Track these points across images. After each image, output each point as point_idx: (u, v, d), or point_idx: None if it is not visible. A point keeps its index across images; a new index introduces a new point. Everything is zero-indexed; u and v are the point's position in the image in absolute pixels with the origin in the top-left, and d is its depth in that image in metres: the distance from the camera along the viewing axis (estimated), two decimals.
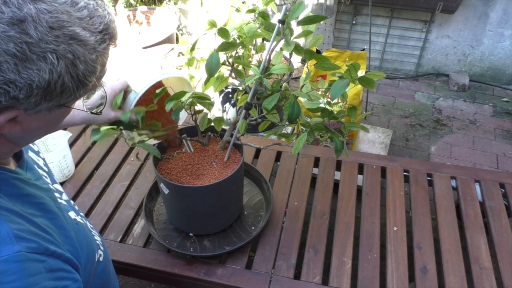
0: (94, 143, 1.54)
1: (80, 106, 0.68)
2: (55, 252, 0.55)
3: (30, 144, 0.73)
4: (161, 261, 1.13)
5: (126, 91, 0.94)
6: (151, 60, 1.04)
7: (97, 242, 0.74)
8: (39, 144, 1.42)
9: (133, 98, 0.93)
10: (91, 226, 0.77)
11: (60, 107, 0.52)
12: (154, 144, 1.12)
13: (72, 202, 0.75)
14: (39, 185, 0.63)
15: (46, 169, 0.73)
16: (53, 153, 1.32)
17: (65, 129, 1.60)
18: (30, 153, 0.71)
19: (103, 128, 0.90)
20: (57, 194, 0.68)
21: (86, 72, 0.50)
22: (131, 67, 1.00)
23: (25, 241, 0.51)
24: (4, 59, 0.43)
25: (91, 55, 0.49)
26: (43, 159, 0.75)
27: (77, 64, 0.48)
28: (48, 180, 0.69)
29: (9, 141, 0.55)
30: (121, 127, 0.94)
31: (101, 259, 0.74)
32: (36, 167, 0.68)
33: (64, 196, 0.72)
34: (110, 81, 0.94)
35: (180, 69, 1.05)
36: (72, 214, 0.68)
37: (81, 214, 0.75)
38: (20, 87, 0.45)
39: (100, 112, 0.74)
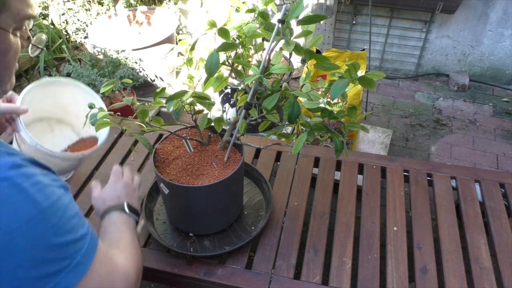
0: None
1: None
2: (41, 163, 0.61)
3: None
4: (161, 261, 1.13)
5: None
6: None
7: None
8: None
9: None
10: None
11: None
12: None
13: None
14: None
15: None
16: None
17: None
18: None
19: (99, 114, 0.95)
20: None
21: None
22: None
23: (18, 155, 0.57)
24: None
25: None
26: None
27: None
28: None
29: None
30: None
31: None
32: None
33: None
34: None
35: (180, 69, 1.06)
36: None
37: None
38: None
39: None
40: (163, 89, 1.06)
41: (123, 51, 2.56)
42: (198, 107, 1.07)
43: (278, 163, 1.45)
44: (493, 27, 2.74)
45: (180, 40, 1.11)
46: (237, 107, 1.07)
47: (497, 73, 2.95)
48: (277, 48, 0.93)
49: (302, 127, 1.04)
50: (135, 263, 0.77)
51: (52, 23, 2.99)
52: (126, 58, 2.56)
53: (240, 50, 1.02)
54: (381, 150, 2.31)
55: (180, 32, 3.40)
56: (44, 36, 0.75)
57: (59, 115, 1.26)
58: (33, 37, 0.71)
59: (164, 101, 1.01)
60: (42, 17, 3.01)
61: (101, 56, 2.61)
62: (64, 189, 0.61)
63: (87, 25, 3.04)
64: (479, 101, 2.84)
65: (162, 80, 2.86)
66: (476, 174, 1.37)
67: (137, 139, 1.10)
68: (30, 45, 0.71)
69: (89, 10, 3.09)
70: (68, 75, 2.44)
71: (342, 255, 1.14)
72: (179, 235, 1.18)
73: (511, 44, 2.79)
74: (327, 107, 0.98)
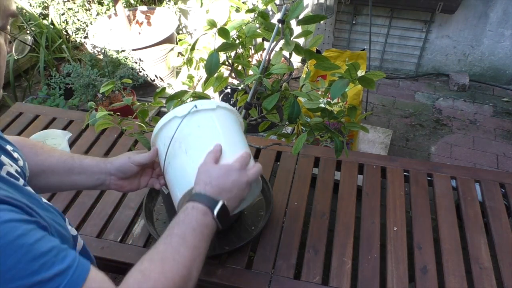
0: (93, 143, 1.54)
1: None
2: (9, 201, 0.52)
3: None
4: None
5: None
6: None
7: (76, 233, 0.71)
8: None
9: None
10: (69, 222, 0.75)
11: None
12: None
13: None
14: None
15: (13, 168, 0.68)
16: None
17: (64, 129, 1.60)
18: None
19: (99, 113, 0.92)
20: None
21: None
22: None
23: None
24: None
25: None
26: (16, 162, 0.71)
27: None
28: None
29: None
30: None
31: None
32: None
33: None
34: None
35: (180, 69, 1.06)
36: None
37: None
38: None
39: None
40: (163, 89, 1.06)
41: (123, 51, 2.56)
42: None
43: (278, 163, 1.45)
44: (493, 27, 2.74)
45: (180, 40, 1.11)
46: (237, 107, 1.07)
47: (497, 73, 2.95)
48: (277, 48, 0.93)
49: (302, 127, 1.04)
50: None
51: (52, 23, 2.99)
52: (126, 58, 2.56)
53: (240, 50, 1.02)
54: (381, 150, 2.31)
55: (180, 32, 3.40)
56: (28, 37, 0.69)
57: None
58: (13, 41, 0.65)
59: (164, 101, 1.02)
60: (42, 17, 3.01)
61: (101, 56, 2.61)
62: (36, 225, 0.53)
63: (87, 25, 3.04)
64: (479, 101, 2.84)
65: (162, 80, 2.86)
66: (476, 174, 1.37)
67: (137, 139, 1.10)
68: (15, 43, 0.65)
69: (89, 10, 3.09)
70: (68, 75, 2.44)
71: (342, 255, 1.14)
72: None
73: (511, 44, 2.79)
74: (327, 107, 0.98)
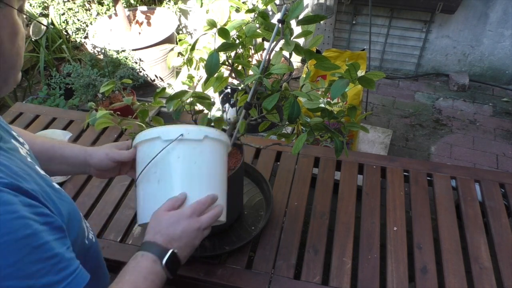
0: (93, 143, 1.54)
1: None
2: (28, 192, 0.53)
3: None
4: None
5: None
6: None
7: (86, 224, 0.74)
8: None
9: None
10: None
11: None
12: None
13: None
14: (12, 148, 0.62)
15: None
16: None
17: (65, 129, 1.60)
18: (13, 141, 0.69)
19: (99, 113, 0.93)
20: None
21: None
22: None
23: None
24: None
25: None
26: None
27: None
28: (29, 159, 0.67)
29: None
30: None
31: (93, 240, 0.74)
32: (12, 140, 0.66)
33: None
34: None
35: (180, 69, 1.05)
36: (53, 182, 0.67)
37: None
38: None
39: None
40: (163, 89, 1.06)
41: (123, 51, 2.56)
42: (198, 107, 1.07)
43: (278, 163, 1.45)
44: (493, 27, 2.74)
45: (180, 40, 1.11)
46: (237, 107, 1.07)
47: (497, 73, 2.95)
48: (277, 48, 0.93)
49: (302, 127, 1.04)
50: None
51: (52, 23, 2.99)
52: (126, 58, 2.56)
53: (240, 50, 1.02)
54: (381, 150, 2.31)
55: (180, 32, 3.40)
56: (44, 19, 0.71)
57: None
58: (30, 24, 0.66)
59: (164, 101, 1.02)
60: (42, 17, 3.01)
61: (101, 56, 2.61)
62: (48, 227, 0.53)
63: (87, 25, 3.04)
64: (479, 101, 2.84)
65: (162, 80, 2.86)
66: (476, 174, 1.37)
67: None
68: (32, 24, 0.65)
69: (89, 10, 3.09)
70: (68, 75, 2.44)
71: (342, 255, 1.14)
72: None
73: (511, 44, 2.79)
74: (327, 107, 0.98)
